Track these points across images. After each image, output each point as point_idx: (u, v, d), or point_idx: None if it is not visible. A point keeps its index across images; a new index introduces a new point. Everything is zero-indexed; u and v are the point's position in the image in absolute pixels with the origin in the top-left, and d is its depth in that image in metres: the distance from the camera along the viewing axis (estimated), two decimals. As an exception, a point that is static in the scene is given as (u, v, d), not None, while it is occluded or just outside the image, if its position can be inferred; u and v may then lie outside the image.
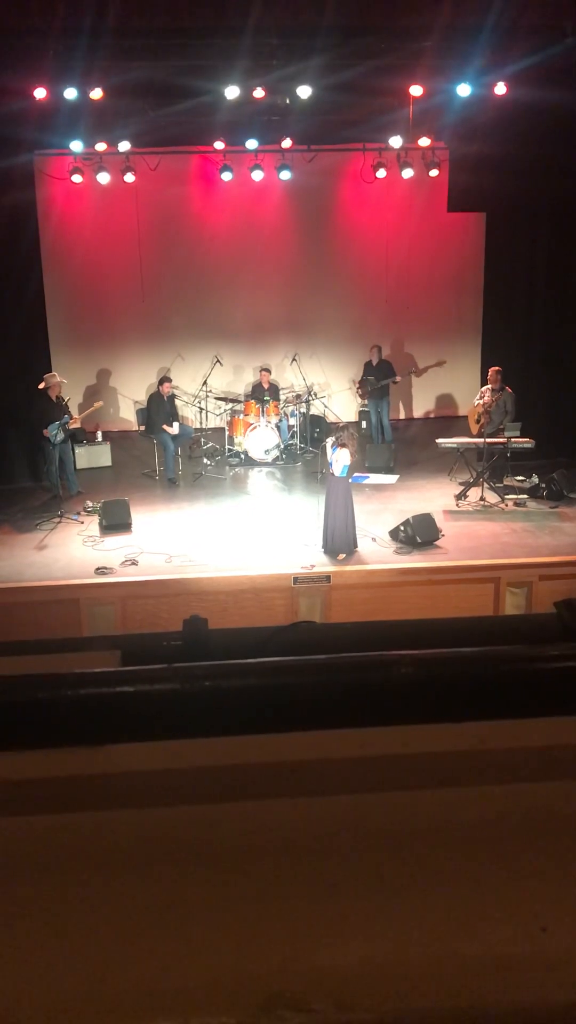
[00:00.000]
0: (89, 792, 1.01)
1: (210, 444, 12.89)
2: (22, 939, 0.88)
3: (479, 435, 11.14)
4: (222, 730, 1.03)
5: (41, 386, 11.10)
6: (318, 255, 13.87)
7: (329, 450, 9.43)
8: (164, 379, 12.45)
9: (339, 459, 9.18)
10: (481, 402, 11.46)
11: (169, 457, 12.07)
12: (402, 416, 14.40)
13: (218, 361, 13.26)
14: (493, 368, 11.58)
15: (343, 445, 9.23)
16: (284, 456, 12.70)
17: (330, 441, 9.57)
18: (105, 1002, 0.82)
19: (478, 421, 11.42)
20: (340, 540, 9.16)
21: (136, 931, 0.88)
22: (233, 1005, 0.82)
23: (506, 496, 10.92)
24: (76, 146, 11.73)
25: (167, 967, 0.85)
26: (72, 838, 0.97)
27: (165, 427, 11.93)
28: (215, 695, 1.05)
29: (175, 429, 12.03)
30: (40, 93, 10.15)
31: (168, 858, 0.95)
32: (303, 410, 13.25)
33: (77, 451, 12.40)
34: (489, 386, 11.48)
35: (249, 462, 12.61)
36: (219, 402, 13.22)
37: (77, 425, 11.59)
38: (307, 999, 0.82)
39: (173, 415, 12.19)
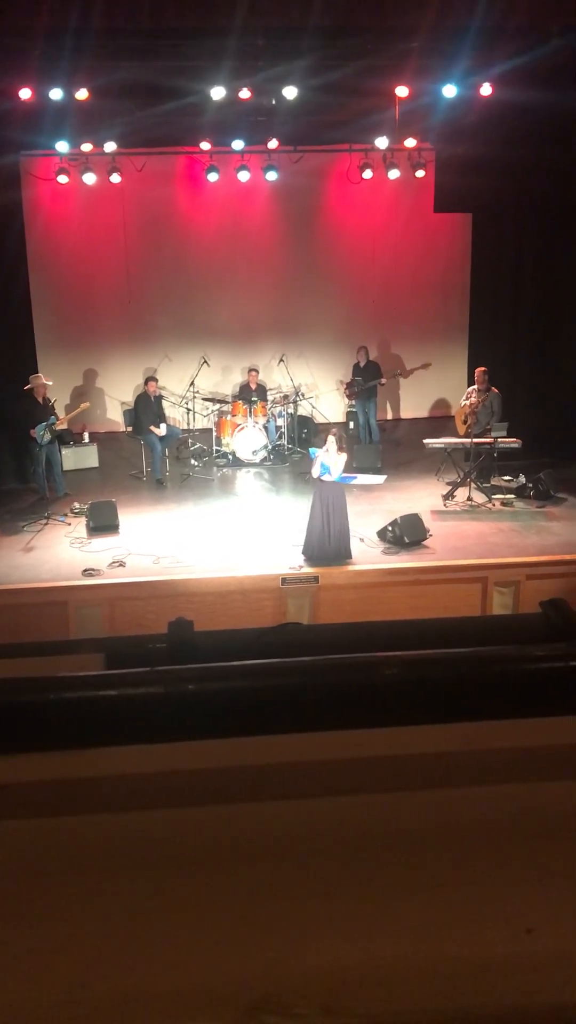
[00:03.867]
0: (72, 796, 1.00)
1: (198, 445, 12.87)
2: (4, 943, 0.87)
3: (466, 435, 11.17)
4: (206, 733, 1.02)
5: (27, 387, 11.07)
6: (305, 256, 13.87)
7: (327, 456, 9.11)
8: (150, 379, 12.43)
9: (336, 464, 9.04)
10: (468, 403, 11.49)
11: (156, 458, 12.05)
12: (389, 416, 14.42)
13: (205, 362, 13.25)
14: (479, 368, 11.61)
15: (341, 449, 9.10)
16: (272, 457, 12.70)
17: (331, 442, 9.11)
18: (88, 1007, 0.82)
19: (465, 422, 11.45)
20: (341, 546, 9.10)
21: (120, 935, 0.88)
22: (218, 1010, 0.82)
23: (493, 496, 10.95)
24: (62, 147, 11.70)
25: (152, 971, 0.84)
26: (55, 842, 0.96)
27: (152, 428, 11.91)
28: (199, 698, 1.04)
29: (162, 430, 12.01)
30: (25, 93, 10.11)
31: (152, 862, 0.94)
32: (291, 411, 13.25)
33: (64, 452, 12.35)
34: (476, 386, 11.50)
35: (237, 463, 12.61)
36: (206, 403, 13.21)
37: (64, 426, 11.56)
38: (293, 1003, 0.82)
39: (160, 416, 12.17)
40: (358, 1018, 0.82)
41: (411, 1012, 0.83)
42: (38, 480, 11.17)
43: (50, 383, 11.38)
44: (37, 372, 11.63)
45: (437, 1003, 0.83)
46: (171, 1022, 0.81)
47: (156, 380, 12.50)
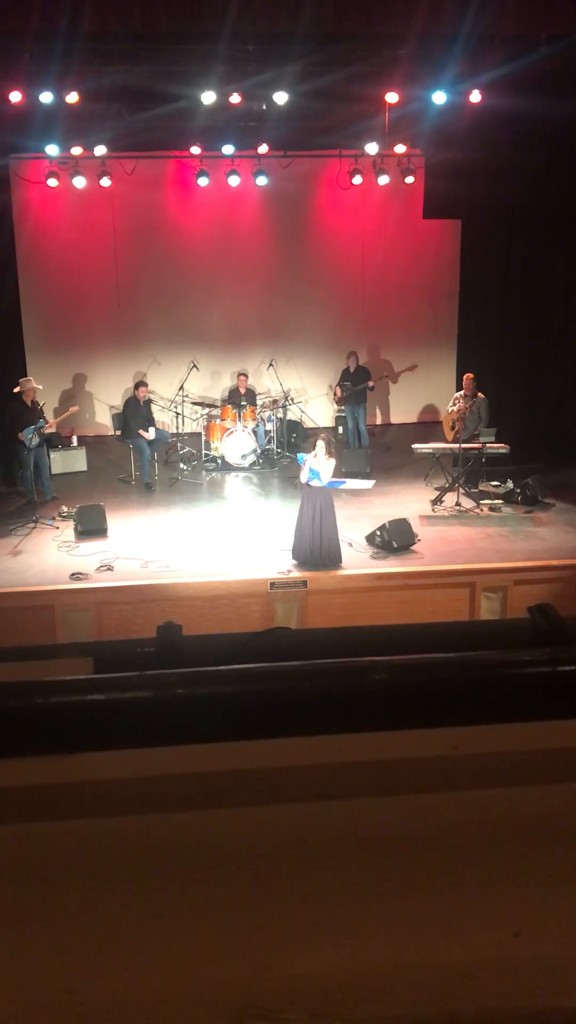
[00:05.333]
0: (60, 800, 1.00)
1: (187, 449, 12.86)
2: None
3: (454, 441, 11.20)
4: (195, 738, 1.02)
5: (16, 390, 11.03)
6: (294, 261, 13.89)
7: (316, 461, 9.04)
8: (140, 383, 12.41)
9: (325, 469, 9.02)
10: (454, 408, 11.50)
11: (145, 462, 12.03)
12: (379, 421, 14.45)
13: (195, 366, 13.24)
14: (467, 375, 11.63)
15: (330, 454, 9.07)
16: (261, 461, 12.70)
17: (320, 447, 9.05)
18: (75, 1012, 0.82)
19: (453, 427, 11.47)
20: (330, 551, 9.10)
21: (107, 941, 0.87)
22: (206, 1014, 0.82)
23: (481, 501, 10.98)
24: (52, 150, 11.68)
25: (139, 977, 0.84)
26: (43, 847, 0.96)
27: (141, 432, 11.89)
28: (187, 702, 1.04)
29: (151, 434, 11.99)
30: (15, 96, 10.09)
31: (140, 867, 0.94)
32: (280, 415, 13.26)
33: (52, 456, 12.30)
34: (462, 392, 11.52)
35: (226, 467, 12.60)
36: (196, 407, 13.20)
37: (52, 429, 11.52)
38: (280, 1008, 0.82)
39: (149, 420, 12.15)
40: (345, 1022, 0.82)
41: (398, 1016, 0.83)
42: (26, 483, 11.11)
43: (40, 388, 11.35)
44: (26, 376, 11.60)
45: (424, 1007, 0.83)
46: (158, 1027, 0.81)
47: (146, 385, 12.48)
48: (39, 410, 11.03)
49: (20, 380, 11.18)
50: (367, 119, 11.19)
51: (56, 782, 0.99)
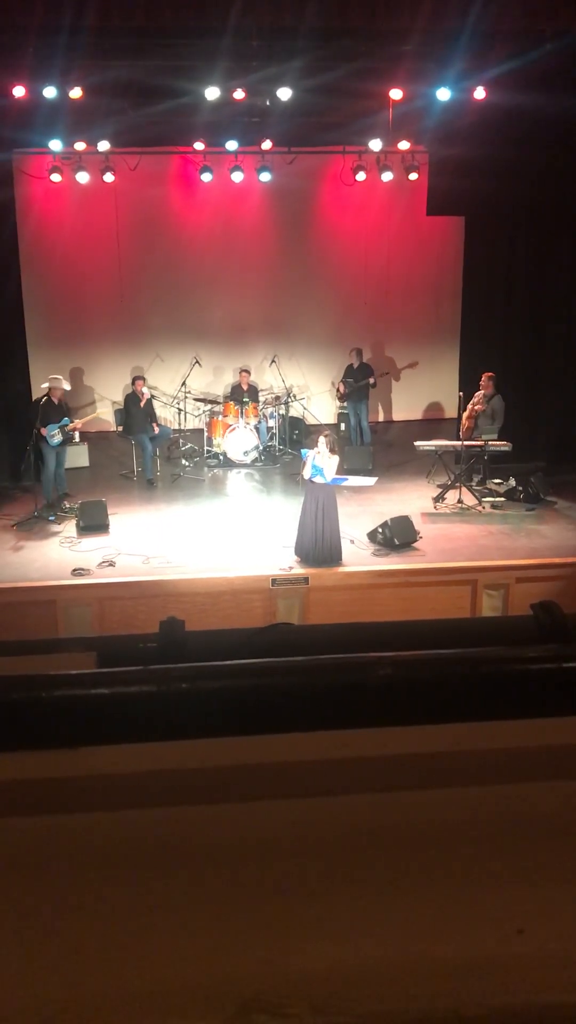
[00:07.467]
0: (63, 794, 1.00)
1: (188, 445, 12.86)
2: (-5, 944, 0.87)
3: (465, 438, 11.18)
4: (198, 733, 1.02)
5: (44, 385, 10.95)
6: (298, 257, 13.88)
7: (320, 457, 9.03)
8: (137, 378, 12.34)
9: (328, 466, 9.00)
10: (476, 407, 11.43)
11: (147, 458, 12.03)
12: (381, 418, 14.44)
13: (197, 362, 13.24)
14: (486, 373, 11.56)
15: (333, 451, 9.05)
16: (263, 458, 12.70)
17: (323, 444, 9.03)
18: (80, 1007, 0.82)
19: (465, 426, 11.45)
20: (332, 548, 9.09)
21: (111, 935, 0.87)
22: (209, 1009, 0.82)
23: (483, 499, 10.97)
24: (55, 145, 11.67)
25: (143, 971, 0.84)
26: (46, 841, 0.96)
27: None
28: (191, 697, 1.04)
29: (155, 430, 12.00)
30: (19, 91, 10.09)
31: (143, 861, 0.94)
32: (282, 412, 13.25)
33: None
34: (482, 392, 11.46)
35: (228, 463, 12.60)
36: (198, 403, 13.20)
37: (79, 428, 11.44)
38: (283, 1002, 0.82)
39: (151, 416, 12.14)
40: (348, 1017, 0.82)
41: (401, 1012, 0.83)
42: (44, 482, 10.91)
43: (68, 387, 11.24)
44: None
45: (427, 1003, 0.83)
46: (163, 1021, 0.81)
47: (144, 379, 12.44)
48: (65, 409, 10.98)
49: (49, 378, 11.03)
50: (371, 115, 11.18)
51: (60, 776, 0.99)
